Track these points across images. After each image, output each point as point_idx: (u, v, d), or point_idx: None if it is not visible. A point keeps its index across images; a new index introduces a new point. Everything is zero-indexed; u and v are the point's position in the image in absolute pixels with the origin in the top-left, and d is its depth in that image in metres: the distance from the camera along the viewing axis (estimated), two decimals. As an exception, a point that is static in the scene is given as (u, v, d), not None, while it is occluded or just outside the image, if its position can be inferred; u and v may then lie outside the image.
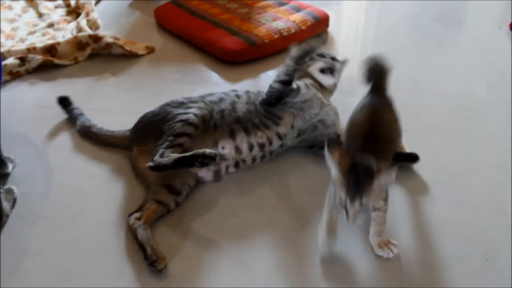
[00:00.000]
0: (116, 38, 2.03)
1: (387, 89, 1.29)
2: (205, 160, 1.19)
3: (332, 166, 1.05)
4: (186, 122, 1.29)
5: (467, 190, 1.36)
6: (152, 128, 1.35)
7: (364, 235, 1.20)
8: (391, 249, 1.15)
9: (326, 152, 1.06)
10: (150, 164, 1.22)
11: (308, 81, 1.50)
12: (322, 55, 1.59)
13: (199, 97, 1.45)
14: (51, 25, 2.19)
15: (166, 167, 1.21)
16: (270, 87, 1.40)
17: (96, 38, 1.98)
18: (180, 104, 1.38)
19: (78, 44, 1.97)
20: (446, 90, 1.81)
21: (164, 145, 1.25)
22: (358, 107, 1.26)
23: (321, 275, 1.12)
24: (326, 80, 1.53)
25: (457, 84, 1.85)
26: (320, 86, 1.52)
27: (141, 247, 1.15)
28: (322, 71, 1.53)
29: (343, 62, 1.61)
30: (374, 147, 1.12)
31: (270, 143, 1.38)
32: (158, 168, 1.21)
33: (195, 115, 1.31)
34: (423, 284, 1.10)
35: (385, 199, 1.16)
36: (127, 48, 1.98)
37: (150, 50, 2.06)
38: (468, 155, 1.49)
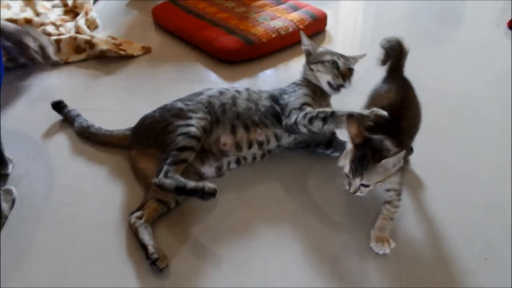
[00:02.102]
0: (113, 38, 2.03)
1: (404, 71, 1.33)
2: (204, 196, 1.18)
3: (348, 138, 1.10)
4: (188, 135, 1.28)
5: (466, 189, 1.36)
6: (153, 136, 1.34)
7: (364, 235, 1.21)
8: (385, 247, 1.15)
9: (344, 124, 1.11)
10: (156, 181, 1.22)
11: (306, 90, 1.46)
12: (337, 66, 1.46)
13: (198, 95, 1.44)
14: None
15: (168, 189, 1.21)
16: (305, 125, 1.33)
17: (91, 45, 1.98)
18: (180, 112, 1.35)
19: (76, 48, 1.98)
20: (444, 88, 1.81)
21: (169, 161, 1.24)
22: (382, 89, 1.28)
23: (321, 274, 1.12)
24: (329, 92, 1.49)
25: (455, 82, 1.86)
26: (322, 92, 1.49)
27: (143, 246, 1.15)
28: (330, 85, 1.46)
29: (356, 59, 1.54)
30: (396, 133, 1.15)
31: (268, 142, 1.40)
32: (161, 188, 1.21)
33: (197, 127, 1.30)
34: (421, 283, 1.10)
35: (399, 194, 1.19)
36: (123, 53, 1.98)
37: (146, 50, 2.06)
38: (466, 153, 1.49)
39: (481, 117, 1.66)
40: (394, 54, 1.32)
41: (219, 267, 1.14)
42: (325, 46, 2.07)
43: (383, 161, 1.04)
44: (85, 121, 1.53)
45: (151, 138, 1.35)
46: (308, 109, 1.35)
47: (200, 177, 1.36)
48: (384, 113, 1.17)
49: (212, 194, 1.18)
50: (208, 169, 1.36)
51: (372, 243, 1.16)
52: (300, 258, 1.16)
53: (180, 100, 1.43)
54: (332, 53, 1.50)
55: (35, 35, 1.67)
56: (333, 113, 1.27)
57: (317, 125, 1.30)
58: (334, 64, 1.46)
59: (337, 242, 1.20)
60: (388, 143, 1.09)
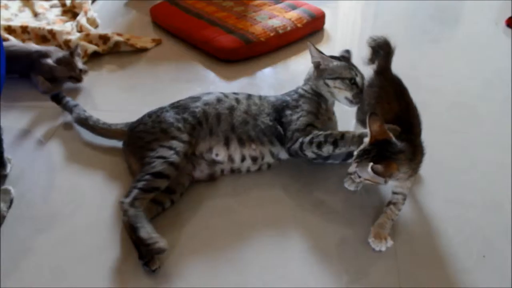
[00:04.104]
0: (118, 34, 2.06)
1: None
2: (151, 251, 1.10)
3: (368, 131, 1.11)
4: (167, 161, 1.25)
5: (463, 187, 1.36)
6: (139, 145, 1.33)
7: (362, 233, 1.21)
8: (382, 245, 1.15)
9: (367, 118, 1.11)
10: (122, 203, 1.18)
11: (310, 106, 1.39)
12: (355, 82, 1.39)
13: (194, 100, 1.42)
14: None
15: (126, 219, 1.16)
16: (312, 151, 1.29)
17: (105, 39, 2.02)
18: (168, 128, 1.33)
19: (89, 43, 2.01)
20: (442, 86, 1.81)
21: (140, 185, 1.21)
22: (381, 98, 1.28)
23: (319, 272, 1.12)
24: (347, 105, 1.42)
25: (454, 80, 1.86)
26: (326, 106, 1.44)
27: (136, 246, 1.14)
28: (349, 101, 1.40)
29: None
30: (412, 140, 1.17)
31: (262, 158, 1.38)
32: (123, 212, 1.18)
33: (178, 153, 1.27)
34: (419, 280, 1.10)
35: (404, 198, 1.22)
36: (138, 46, 2.02)
37: (157, 43, 2.09)
38: (464, 151, 1.49)
39: (479, 114, 1.66)
40: (382, 53, 1.32)
41: (216, 267, 1.14)
42: (323, 45, 2.09)
43: (371, 164, 1.05)
44: (83, 112, 1.53)
45: (137, 147, 1.34)
46: (314, 132, 1.30)
47: (193, 180, 1.35)
48: (397, 128, 1.18)
49: (157, 252, 1.11)
50: (200, 174, 1.36)
51: (370, 238, 1.17)
52: (297, 257, 1.16)
53: (176, 107, 1.41)
54: (350, 68, 1.41)
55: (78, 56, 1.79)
56: (343, 136, 1.24)
57: (327, 150, 1.27)
58: (353, 80, 1.38)
59: (335, 240, 1.20)
60: (400, 157, 1.10)
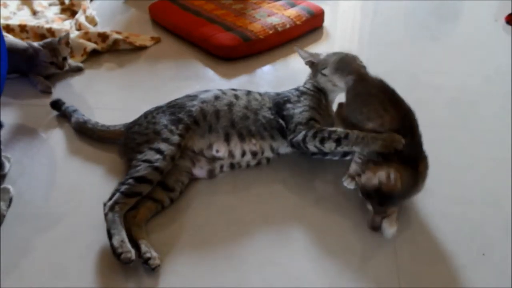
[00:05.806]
0: (117, 32, 2.06)
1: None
2: (118, 257, 1.09)
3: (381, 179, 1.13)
4: (152, 166, 1.24)
5: (463, 184, 1.36)
6: (131, 147, 1.34)
7: (361, 230, 1.21)
8: (393, 228, 1.15)
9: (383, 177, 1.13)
10: (104, 206, 1.18)
11: (312, 102, 1.42)
12: None
13: (192, 99, 1.41)
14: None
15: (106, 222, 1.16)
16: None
17: (104, 37, 2.01)
18: (160, 130, 1.32)
19: (88, 41, 2.00)
20: (442, 83, 1.81)
21: (123, 189, 1.20)
22: (378, 104, 1.27)
23: (318, 271, 1.12)
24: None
25: (453, 77, 1.86)
26: (326, 102, 1.47)
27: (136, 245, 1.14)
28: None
29: None
30: (419, 151, 1.22)
31: (262, 153, 1.38)
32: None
33: (164, 157, 1.26)
34: (418, 278, 1.10)
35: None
36: (137, 44, 2.02)
37: (156, 41, 2.09)
38: (464, 148, 1.49)
39: (478, 111, 1.66)
40: (346, 65, 1.38)
41: (216, 264, 1.14)
42: (322, 42, 2.08)
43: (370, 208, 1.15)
44: (81, 116, 1.53)
45: (128, 148, 1.35)
46: (317, 126, 1.31)
47: (192, 178, 1.35)
48: (402, 140, 1.19)
49: (124, 262, 1.09)
50: (199, 171, 1.35)
51: (385, 223, 1.16)
52: (297, 254, 1.16)
53: (172, 106, 1.41)
54: (339, 54, 1.48)
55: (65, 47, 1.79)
56: (347, 135, 1.24)
57: (329, 147, 1.27)
58: None
59: (336, 236, 1.20)
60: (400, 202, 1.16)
